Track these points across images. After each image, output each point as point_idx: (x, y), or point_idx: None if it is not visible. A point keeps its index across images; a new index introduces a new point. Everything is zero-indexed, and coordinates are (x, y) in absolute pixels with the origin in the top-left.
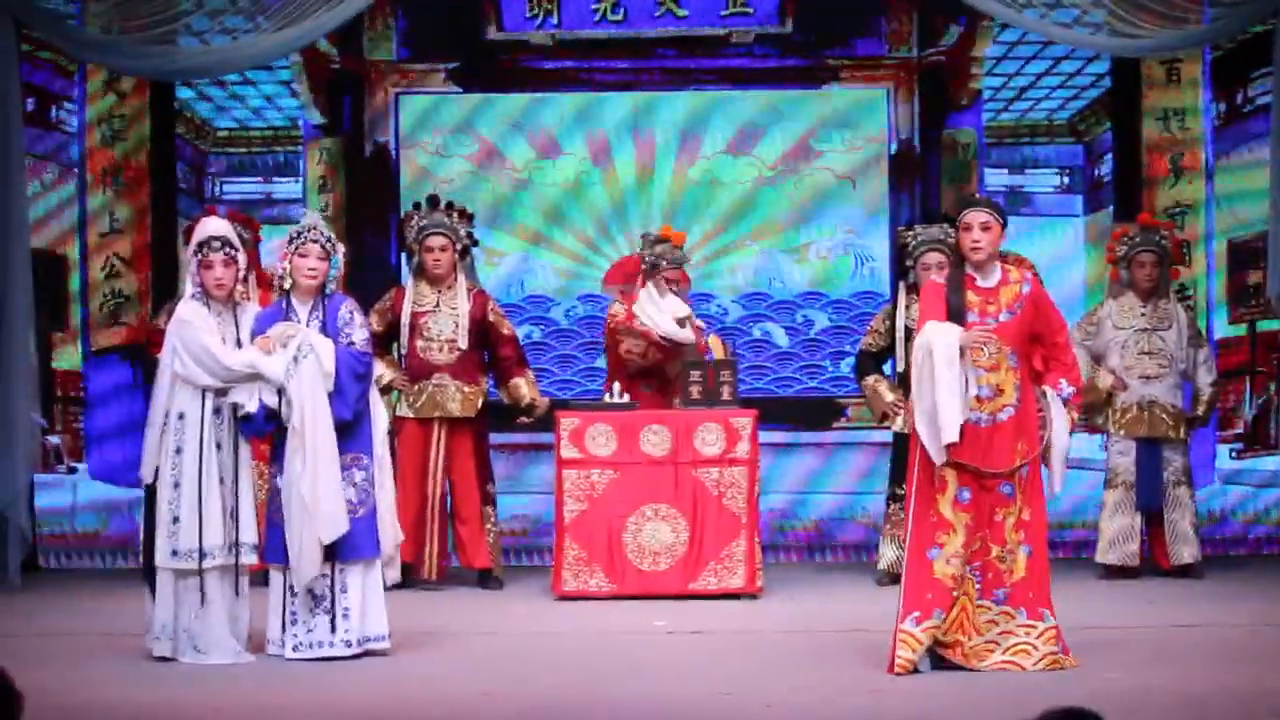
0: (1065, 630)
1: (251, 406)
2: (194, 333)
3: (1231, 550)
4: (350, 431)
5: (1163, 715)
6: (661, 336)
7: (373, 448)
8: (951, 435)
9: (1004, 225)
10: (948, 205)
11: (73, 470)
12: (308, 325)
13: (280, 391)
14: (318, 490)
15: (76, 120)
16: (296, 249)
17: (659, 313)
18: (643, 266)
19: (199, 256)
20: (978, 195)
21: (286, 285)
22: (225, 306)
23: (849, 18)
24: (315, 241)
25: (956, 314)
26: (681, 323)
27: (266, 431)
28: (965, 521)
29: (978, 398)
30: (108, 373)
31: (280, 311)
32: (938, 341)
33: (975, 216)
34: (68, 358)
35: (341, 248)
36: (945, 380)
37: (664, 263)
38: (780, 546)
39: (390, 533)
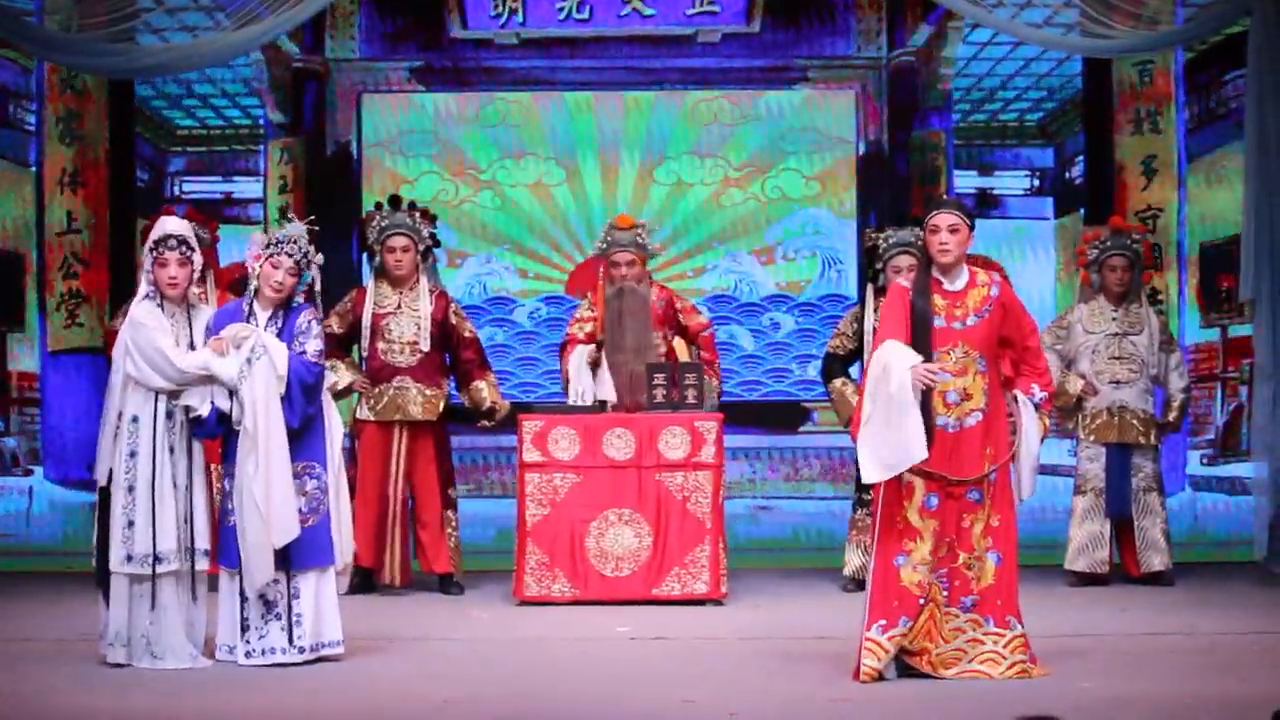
0: (1034, 639)
1: (204, 410)
2: (147, 334)
3: (1202, 557)
4: (302, 439)
5: None
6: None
7: (326, 457)
8: (918, 456)
9: (972, 228)
10: (919, 207)
11: (29, 473)
12: (265, 330)
13: (233, 394)
14: (270, 494)
15: (34, 118)
16: (270, 256)
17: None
18: (598, 253)
19: (154, 255)
20: (946, 197)
21: (252, 290)
22: (179, 307)
23: (817, 17)
24: (290, 255)
25: (923, 318)
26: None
27: (218, 434)
28: (932, 528)
29: (945, 403)
30: (65, 374)
31: (240, 312)
32: (895, 375)
33: (943, 219)
34: (24, 359)
35: (319, 259)
36: (898, 414)
37: (611, 246)
38: (745, 551)
39: (345, 543)
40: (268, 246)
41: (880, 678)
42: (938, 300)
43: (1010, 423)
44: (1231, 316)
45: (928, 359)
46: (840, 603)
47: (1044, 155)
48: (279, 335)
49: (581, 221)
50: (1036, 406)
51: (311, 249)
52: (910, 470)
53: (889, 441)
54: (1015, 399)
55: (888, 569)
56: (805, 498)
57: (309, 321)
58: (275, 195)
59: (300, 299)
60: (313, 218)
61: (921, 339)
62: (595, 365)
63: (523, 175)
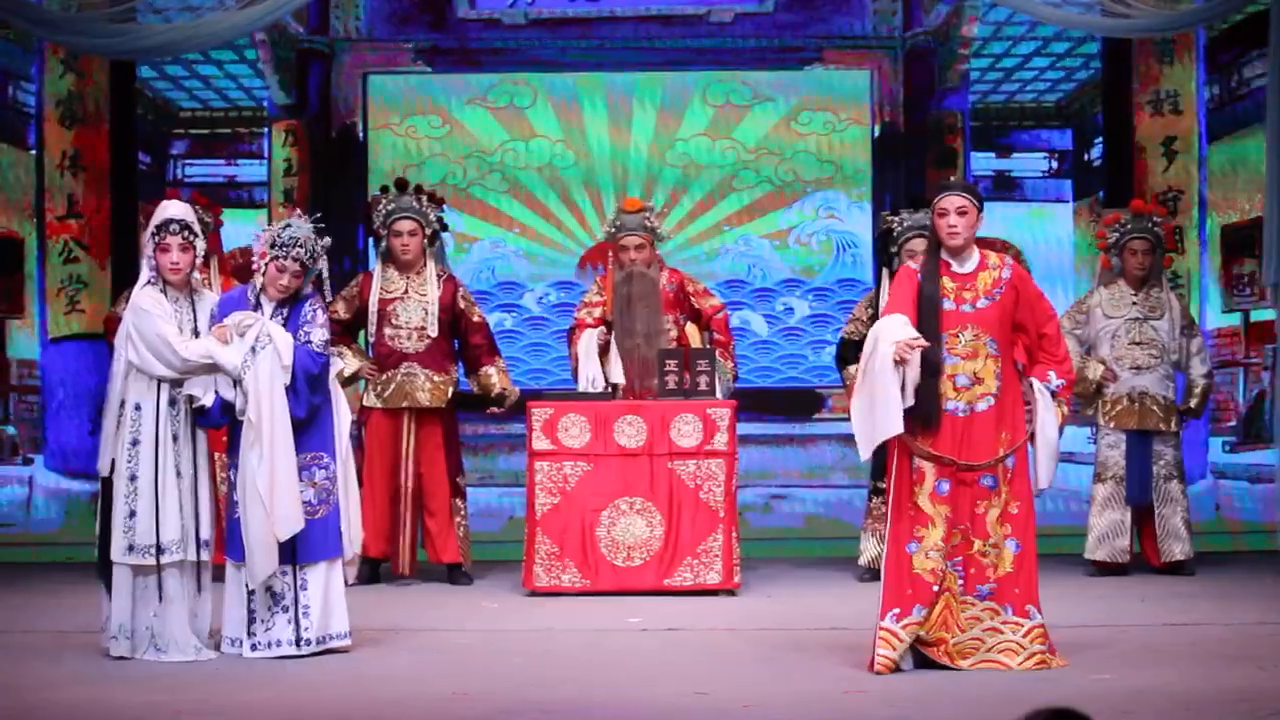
0: (1052, 629)
1: (207, 399)
2: (150, 320)
3: (1224, 546)
4: (309, 429)
5: (1155, 717)
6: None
7: (335, 446)
8: (893, 430)
9: (981, 209)
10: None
11: (29, 462)
12: (271, 320)
13: (237, 383)
14: (274, 486)
15: (33, 100)
16: (275, 258)
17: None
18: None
19: (156, 240)
20: (952, 179)
21: (258, 285)
22: (182, 293)
23: None
24: (297, 260)
25: (930, 302)
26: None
27: (222, 424)
28: (944, 514)
29: (955, 386)
30: (65, 361)
31: (245, 300)
32: (880, 348)
33: (951, 201)
34: (23, 345)
35: (326, 242)
36: (881, 388)
37: (619, 230)
38: (759, 541)
39: (354, 533)
40: (273, 247)
41: (896, 668)
42: (946, 283)
43: (1028, 410)
44: (1254, 301)
45: (935, 342)
46: (856, 593)
47: (1063, 137)
48: (285, 325)
49: (591, 205)
50: (1053, 394)
51: (319, 246)
52: (920, 455)
53: (869, 414)
54: (1031, 386)
55: (900, 556)
56: (820, 486)
57: (314, 310)
58: (279, 178)
59: (308, 288)
60: (319, 214)
61: (929, 322)
62: (605, 347)
63: (531, 158)
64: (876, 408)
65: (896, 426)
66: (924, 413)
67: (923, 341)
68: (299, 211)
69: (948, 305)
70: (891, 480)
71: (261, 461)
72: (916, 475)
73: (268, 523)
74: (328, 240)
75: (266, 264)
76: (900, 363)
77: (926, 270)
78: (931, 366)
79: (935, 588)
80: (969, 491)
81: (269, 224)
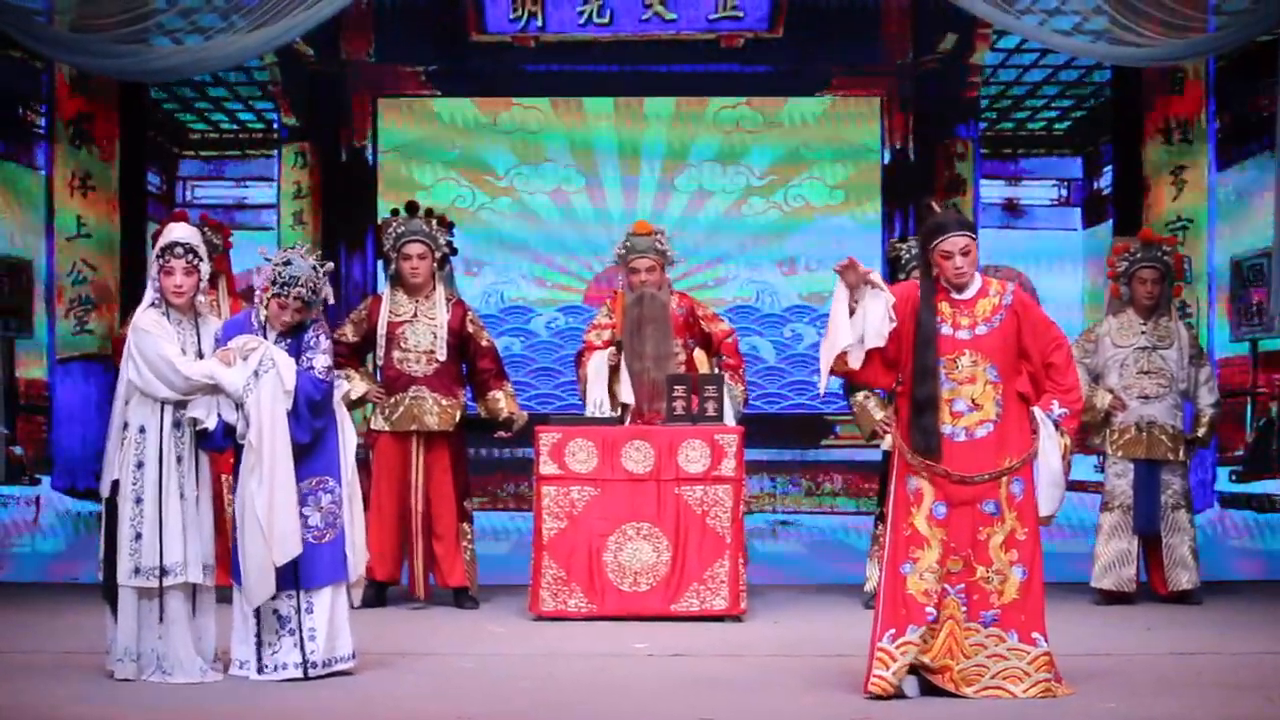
0: (1058, 657)
1: (210, 422)
2: (152, 341)
3: (1230, 576)
4: (314, 453)
5: None
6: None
7: (340, 470)
8: (840, 343)
9: (977, 239)
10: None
11: (36, 482)
12: (275, 345)
13: (239, 406)
14: (273, 510)
15: (44, 121)
16: (276, 295)
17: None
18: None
19: (160, 262)
20: (941, 211)
21: (261, 318)
22: (186, 316)
23: (842, 23)
24: (298, 298)
25: (927, 328)
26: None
27: (225, 448)
28: (940, 537)
29: (952, 411)
30: (74, 381)
31: (249, 323)
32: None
33: (954, 243)
34: (32, 366)
35: (329, 266)
36: (831, 313)
37: (630, 253)
38: (765, 567)
39: (360, 556)
40: (274, 284)
41: (896, 689)
42: (944, 308)
43: (1033, 438)
44: (1262, 330)
45: (933, 370)
46: (861, 619)
47: (1072, 165)
48: (289, 351)
49: (601, 229)
50: (1056, 424)
51: (320, 281)
52: (916, 466)
53: (825, 342)
54: (1034, 415)
55: (896, 577)
56: (826, 512)
57: (317, 336)
58: (289, 201)
59: (313, 316)
60: (319, 253)
61: (926, 349)
62: (614, 368)
63: (541, 182)
64: (829, 333)
65: (846, 339)
66: (923, 442)
67: (867, 271)
68: (299, 244)
69: (945, 330)
70: (890, 503)
71: (261, 486)
72: (914, 497)
73: (266, 547)
74: (330, 265)
75: (268, 300)
76: (840, 274)
77: (924, 298)
78: (929, 400)
79: (930, 609)
80: (969, 515)
81: (278, 247)
